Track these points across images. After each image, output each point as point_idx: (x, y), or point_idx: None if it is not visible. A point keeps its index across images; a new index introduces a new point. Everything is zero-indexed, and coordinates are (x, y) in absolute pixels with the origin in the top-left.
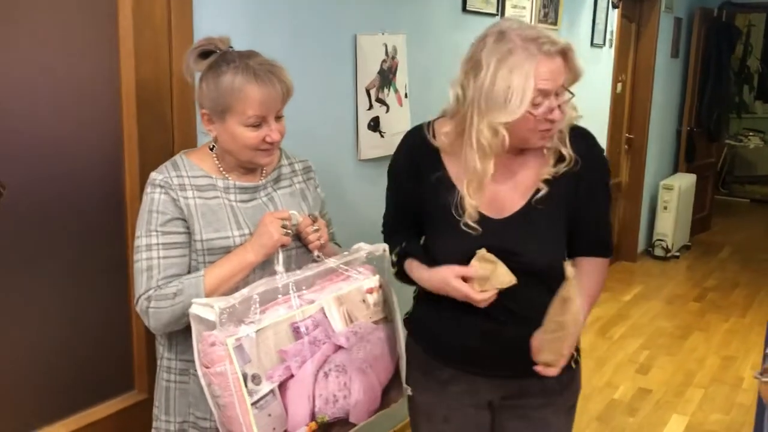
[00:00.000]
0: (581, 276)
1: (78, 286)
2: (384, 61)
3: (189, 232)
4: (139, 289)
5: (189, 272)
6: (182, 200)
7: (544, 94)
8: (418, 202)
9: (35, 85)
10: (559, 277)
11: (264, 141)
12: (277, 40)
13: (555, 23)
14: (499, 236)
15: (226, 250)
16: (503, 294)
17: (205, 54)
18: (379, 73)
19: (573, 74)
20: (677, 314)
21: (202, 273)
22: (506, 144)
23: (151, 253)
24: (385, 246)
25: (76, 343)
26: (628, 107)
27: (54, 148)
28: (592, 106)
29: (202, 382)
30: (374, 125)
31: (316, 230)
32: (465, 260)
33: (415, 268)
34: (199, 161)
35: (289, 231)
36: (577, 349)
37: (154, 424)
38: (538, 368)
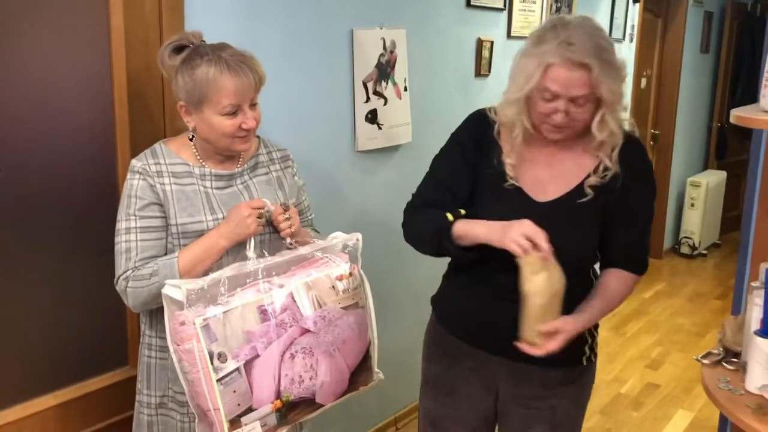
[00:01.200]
0: (607, 284)
1: (74, 268)
2: (382, 54)
3: (165, 217)
4: (118, 270)
5: (166, 254)
6: (159, 186)
7: (554, 94)
8: (473, 169)
9: (29, 76)
10: (582, 276)
11: (240, 128)
12: (270, 35)
13: None
14: (538, 216)
15: (200, 234)
16: (503, 286)
17: (178, 49)
18: (376, 66)
19: (596, 93)
20: (697, 311)
21: (176, 255)
22: (525, 121)
23: (130, 236)
24: (359, 235)
25: (72, 320)
26: (654, 102)
27: (48, 137)
28: None
29: (173, 358)
30: (372, 117)
31: (287, 218)
32: None
33: (473, 223)
34: (178, 150)
35: (263, 220)
36: (591, 347)
37: (137, 396)
38: (521, 344)
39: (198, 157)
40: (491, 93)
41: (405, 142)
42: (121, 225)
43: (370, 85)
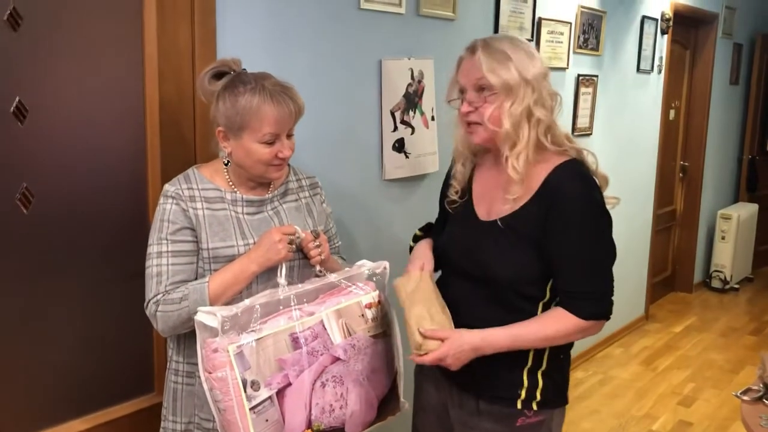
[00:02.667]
0: (540, 315)
1: (103, 293)
2: (410, 84)
3: (197, 241)
4: (149, 294)
5: (196, 278)
6: (191, 211)
7: (461, 87)
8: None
9: (63, 102)
10: (524, 305)
11: (276, 156)
12: (300, 65)
13: (596, 49)
14: (478, 234)
15: (231, 259)
16: (462, 305)
17: (219, 75)
18: (404, 96)
19: (487, 79)
20: (730, 347)
21: (207, 280)
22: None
23: (161, 260)
24: (386, 264)
25: (100, 345)
26: (683, 134)
27: (81, 162)
28: (639, 131)
29: (205, 386)
30: (399, 146)
31: (318, 246)
32: (446, 251)
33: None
34: (210, 175)
35: (294, 246)
36: (530, 392)
37: (162, 423)
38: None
39: (230, 183)
40: None
41: (432, 171)
42: (152, 249)
43: (397, 115)
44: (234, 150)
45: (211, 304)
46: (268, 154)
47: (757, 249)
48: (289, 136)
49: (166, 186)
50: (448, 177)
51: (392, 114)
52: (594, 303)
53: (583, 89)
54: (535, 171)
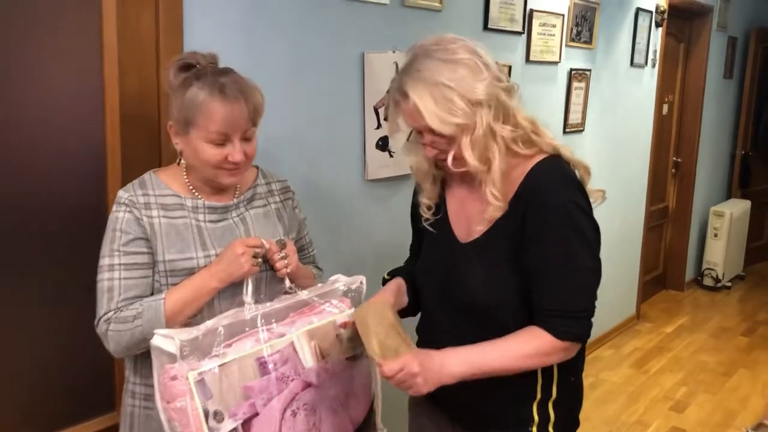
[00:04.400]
0: (514, 332)
1: (61, 305)
2: (394, 79)
3: (152, 253)
4: (100, 311)
5: (152, 293)
6: (146, 219)
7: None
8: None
9: (16, 98)
10: (499, 325)
11: (226, 160)
12: (276, 58)
13: (589, 42)
14: (458, 257)
15: (190, 272)
16: (446, 335)
17: (186, 67)
18: (388, 91)
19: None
20: (722, 349)
21: (163, 296)
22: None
23: (113, 273)
24: (362, 278)
25: (59, 362)
26: (676, 129)
27: (36, 162)
28: (632, 127)
29: (162, 417)
30: (383, 145)
31: (284, 257)
32: (425, 278)
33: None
34: (169, 180)
35: (260, 260)
36: (543, 428)
37: None
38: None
39: (190, 188)
40: None
41: None
42: (104, 261)
43: (381, 111)
44: (184, 148)
45: (168, 323)
46: (216, 156)
47: (749, 246)
48: (247, 139)
49: (120, 192)
50: (416, 195)
51: (375, 110)
52: (572, 322)
53: (575, 84)
54: (510, 180)
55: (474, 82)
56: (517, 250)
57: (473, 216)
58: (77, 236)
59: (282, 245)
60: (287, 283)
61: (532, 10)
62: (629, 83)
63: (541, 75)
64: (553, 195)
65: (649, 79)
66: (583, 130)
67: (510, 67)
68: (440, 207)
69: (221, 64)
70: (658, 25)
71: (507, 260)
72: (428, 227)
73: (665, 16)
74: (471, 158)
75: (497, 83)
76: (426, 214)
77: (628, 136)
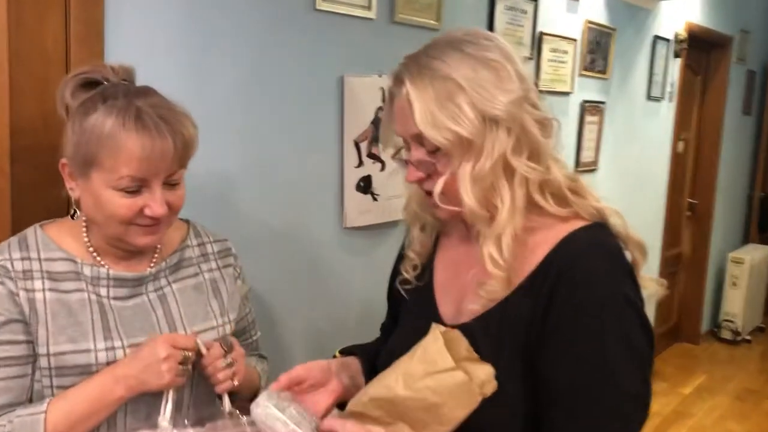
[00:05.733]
0: None
1: None
2: (380, 108)
3: (32, 342)
4: None
5: (30, 399)
6: (23, 294)
7: (401, 137)
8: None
9: None
10: None
11: (142, 213)
12: (231, 80)
13: (603, 72)
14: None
15: (85, 371)
16: None
17: (89, 84)
18: (372, 122)
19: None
20: (749, 415)
21: (44, 408)
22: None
23: None
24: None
25: None
26: (692, 168)
27: None
28: (647, 166)
29: None
30: (365, 186)
31: (229, 365)
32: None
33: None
34: (61, 238)
35: (188, 367)
36: None
37: None
38: None
39: (91, 250)
40: None
41: None
42: None
43: (363, 146)
44: (82, 195)
45: None
46: (125, 209)
47: None
48: (172, 185)
49: None
50: (403, 247)
51: (357, 145)
52: None
53: (588, 118)
54: (527, 247)
55: (496, 91)
56: (528, 349)
57: (468, 289)
58: None
59: (228, 348)
60: (227, 403)
61: (542, 33)
62: (645, 118)
63: (551, 107)
64: (596, 282)
65: (666, 113)
66: (596, 169)
67: None
68: (426, 269)
69: (141, 82)
70: (677, 55)
71: (509, 361)
72: (404, 293)
73: (685, 45)
74: (467, 195)
75: (529, 107)
76: (408, 273)
77: (643, 176)
